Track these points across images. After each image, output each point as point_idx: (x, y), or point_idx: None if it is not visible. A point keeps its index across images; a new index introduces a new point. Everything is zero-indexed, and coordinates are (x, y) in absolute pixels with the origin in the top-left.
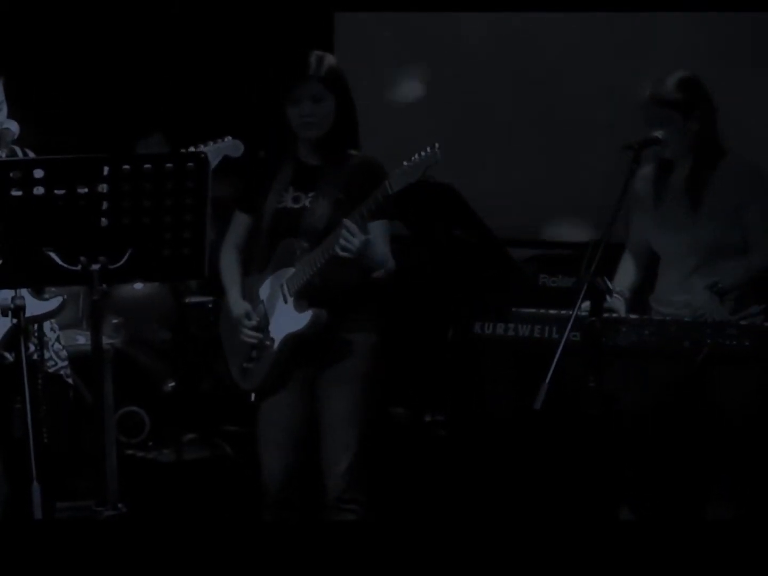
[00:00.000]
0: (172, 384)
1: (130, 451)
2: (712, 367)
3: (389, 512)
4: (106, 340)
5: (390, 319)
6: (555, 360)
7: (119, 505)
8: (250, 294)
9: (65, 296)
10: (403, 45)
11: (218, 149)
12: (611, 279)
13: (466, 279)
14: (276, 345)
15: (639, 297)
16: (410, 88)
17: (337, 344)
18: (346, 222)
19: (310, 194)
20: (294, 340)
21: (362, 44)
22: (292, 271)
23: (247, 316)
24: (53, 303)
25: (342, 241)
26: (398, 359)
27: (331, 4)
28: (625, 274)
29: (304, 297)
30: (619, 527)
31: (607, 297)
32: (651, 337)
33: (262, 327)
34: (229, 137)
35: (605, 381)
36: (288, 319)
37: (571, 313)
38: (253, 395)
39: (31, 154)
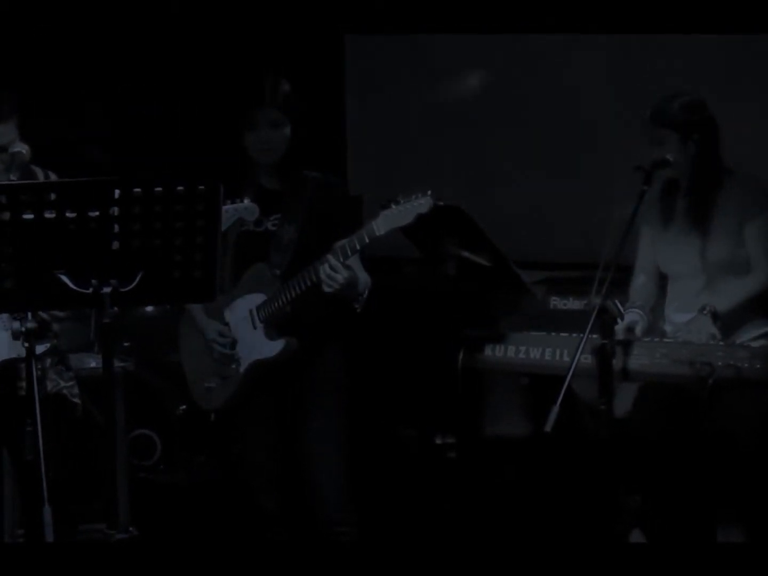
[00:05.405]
0: (184, 407)
1: (141, 474)
2: (723, 390)
3: (399, 534)
4: (117, 363)
5: (400, 341)
6: (566, 383)
7: (130, 528)
8: (214, 314)
9: (53, 341)
10: (413, 67)
11: (236, 210)
12: (622, 300)
13: (476, 301)
14: (242, 369)
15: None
16: (420, 110)
17: (305, 366)
18: (330, 259)
19: (272, 217)
20: (262, 367)
21: (372, 66)
22: (262, 297)
23: (221, 334)
24: (39, 348)
25: (326, 279)
26: (408, 381)
27: (342, 27)
28: (642, 289)
29: (274, 325)
30: (630, 550)
31: (618, 320)
32: (662, 360)
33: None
34: (247, 200)
35: (616, 403)
36: (257, 345)
37: (581, 335)
38: (213, 415)
39: (53, 176)
